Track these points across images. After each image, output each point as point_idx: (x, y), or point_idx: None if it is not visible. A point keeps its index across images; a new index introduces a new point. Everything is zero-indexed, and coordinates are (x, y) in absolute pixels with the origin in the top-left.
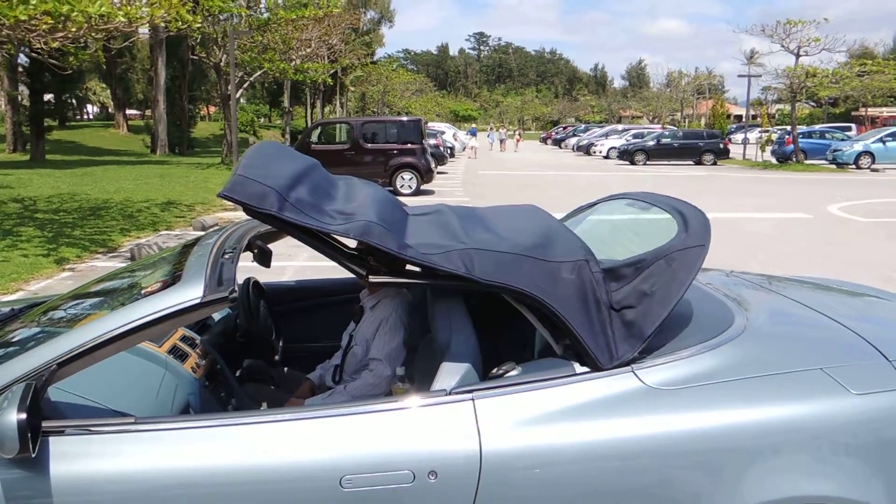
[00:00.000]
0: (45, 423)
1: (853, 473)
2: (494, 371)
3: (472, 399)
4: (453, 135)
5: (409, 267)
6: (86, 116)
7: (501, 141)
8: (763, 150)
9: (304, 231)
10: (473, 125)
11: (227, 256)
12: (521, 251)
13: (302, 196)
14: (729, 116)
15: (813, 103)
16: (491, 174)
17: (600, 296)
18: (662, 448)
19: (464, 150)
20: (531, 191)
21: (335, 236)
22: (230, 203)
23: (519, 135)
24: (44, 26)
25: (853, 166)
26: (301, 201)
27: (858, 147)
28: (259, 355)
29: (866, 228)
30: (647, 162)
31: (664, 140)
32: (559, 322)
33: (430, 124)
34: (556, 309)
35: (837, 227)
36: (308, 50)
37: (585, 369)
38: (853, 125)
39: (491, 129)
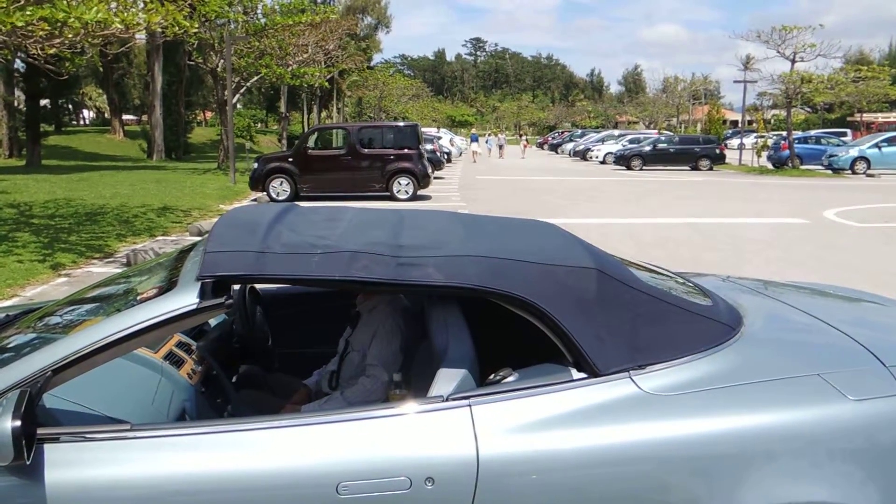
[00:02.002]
0: (39, 430)
1: (850, 479)
2: (491, 377)
3: (469, 405)
4: (450, 140)
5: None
6: (82, 122)
7: (500, 147)
8: (759, 156)
9: (290, 281)
10: (474, 131)
11: None
12: (518, 257)
13: (278, 244)
14: (725, 122)
15: (808, 109)
16: (488, 179)
17: (610, 302)
18: (659, 454)
19: (460, 155)
20: (528, 195)
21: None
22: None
23: (526, 140)
24: (40, 32)
25: (849, 171)
26: (279, 247)
27: (854, 152)
28: (255, 361)
29: (862, 233)
30: (644, 167)
31: (660, 145)
32: (554, 326)
33: (429, 129)
34: (551, 313)
35: (833, 233)
36: (305, 55)
37: (582, 375)
38: (848, 131)
39: (489, 134)
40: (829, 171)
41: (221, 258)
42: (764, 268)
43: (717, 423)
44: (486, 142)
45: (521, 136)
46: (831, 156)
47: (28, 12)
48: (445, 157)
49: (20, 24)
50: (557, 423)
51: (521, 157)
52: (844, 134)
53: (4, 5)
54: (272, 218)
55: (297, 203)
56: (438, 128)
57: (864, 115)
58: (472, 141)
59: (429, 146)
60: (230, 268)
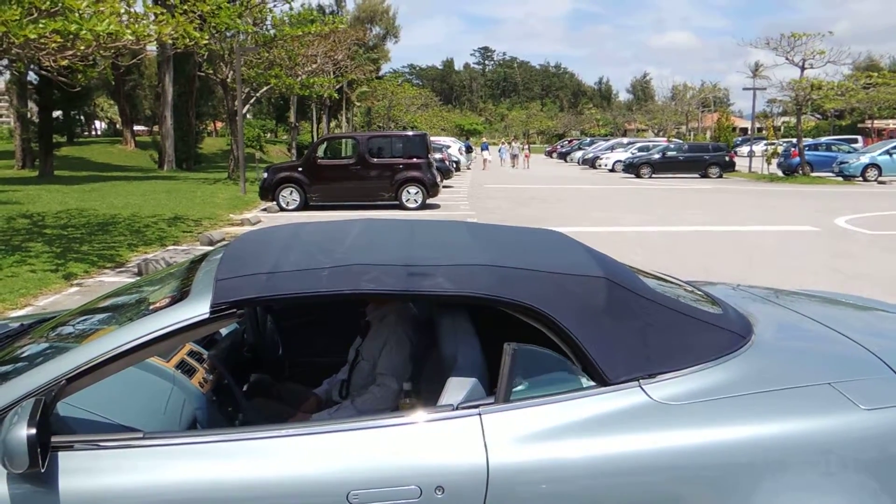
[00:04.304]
0: (53, 438)
1: (861, 489)
2: None
3: (479, 414)
4: (458, 149)
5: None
6: (94, 133)
7: (514, 156)
8: (769, 163)
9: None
10: (485, 139)
11: None
12: (527, 266)
13: (287, 262)
14: (734, 129)
15: (819, 116)
16: (496, 188)
17: (619, 311)
18: (670, 463)
19: (469, 164)
20: (537, 204)
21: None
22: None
23: (528, 150)
24: (53, 45)
25: (860, 179)
26: (289, 266)
27: (865, 159)
28: (266, 370)
29: (874, 241)
30: (653, 175)
31: (669, 153)
32: (563, 335)
33: (436, 138)
34: (560, 322)
35: (844, 240)
36: (314, 65)
37: (592, 384)
38: (859, 137)
39: (502, 143)
40: (840, 179)
41: (233, 284)
42: (774, 276)
43: (727, 433)
44: (500, 151)
45: (524, 145)
46: (842, 163)
47: (41, 25)
48: (454, 165)
49: (33, 36)
50: (567, 432)
51: (524, 167)
52: (855, 140)
53: (17, 18)
54: (280, 238)
55: (304, 222)
56: (468, 137)
57: (875, 121)
58: (482, 149)
59: (437, 155)
60: (242, 292)
